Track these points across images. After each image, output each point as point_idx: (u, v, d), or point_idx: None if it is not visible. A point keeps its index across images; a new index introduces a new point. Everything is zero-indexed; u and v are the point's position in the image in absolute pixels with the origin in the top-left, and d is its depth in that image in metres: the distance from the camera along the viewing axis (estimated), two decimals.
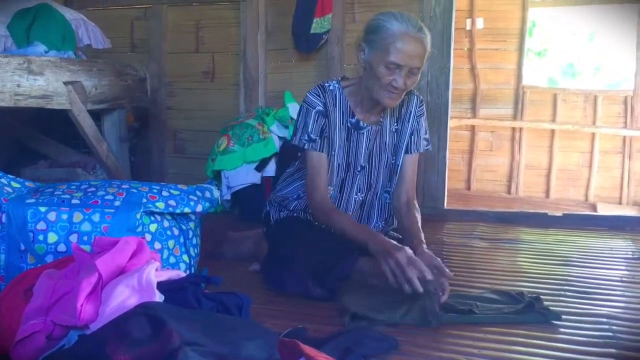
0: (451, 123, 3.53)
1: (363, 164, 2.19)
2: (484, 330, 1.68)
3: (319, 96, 2.11)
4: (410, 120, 2.20)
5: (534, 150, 5.78)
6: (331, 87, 2.13)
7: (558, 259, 2.51)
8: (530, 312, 1.78)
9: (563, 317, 1.78)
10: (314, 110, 2.10)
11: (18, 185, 1.83)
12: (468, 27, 5.70)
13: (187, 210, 1.87)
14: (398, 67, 1.92)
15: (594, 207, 5.41)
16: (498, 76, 5.74)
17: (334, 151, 2.14)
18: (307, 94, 2.13)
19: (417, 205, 2.18)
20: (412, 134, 2.21)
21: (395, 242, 1.85)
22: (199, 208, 1.90)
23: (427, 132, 2.27)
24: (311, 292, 1.92)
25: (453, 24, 3.37)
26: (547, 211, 3.43)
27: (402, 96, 2.03)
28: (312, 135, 2.10)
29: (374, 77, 1.97)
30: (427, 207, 3.43)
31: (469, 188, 5.88)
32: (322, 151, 2.11)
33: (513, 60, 5.70)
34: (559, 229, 3.10)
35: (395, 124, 2.20)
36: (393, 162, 2.22)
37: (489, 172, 5.90)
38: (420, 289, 1.70)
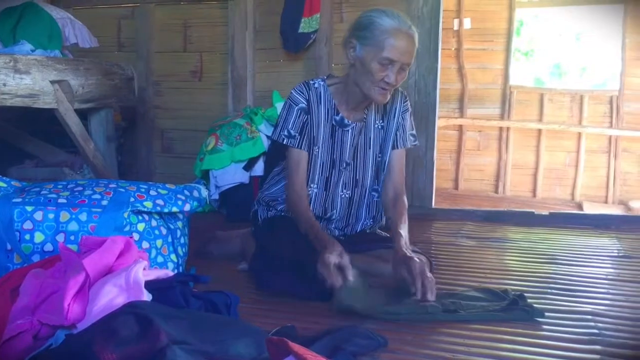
0: (439, 123, 3.55)
1: (348, 161, 2.20)
2: (471, 328, 1.69)
3: (303, 93, 2.13)
4: (396, 117, 2.21)
5: (521, 149, 5.82)
6: (316, 85, 2.15)
7: (544, 257, 2.53)
8: (514, 310, 1.80)
9: (549, 314, 1.80)
10: (296, 107, 2.13)
11: (4, 185, 1.82)
12: (455, 27, 5.73)
13: (175, 209, 1.86)
14: (391, 63, 1.94)
15: (580, 206, 5.46)
16: (485, 76, 5.78)
17: (318, 148, 2.15)
18: (292, 91, 2.15)
19: (405, 201, 2.18)
20: (397, 129, 2.22)
21: (335, 251, 1.84)
22: (187, 207, 1.89)
23: (414, 127, 2.29)
24: (298, 292, 1.92)
25: (440, 24, 3.39)
26: (533, 210, 3.46)
27: (390, 93, 2.04)
28: (291, 132, 2.12)
29: (365, 73, 1.98)
30: (415, 207, 3.44)
31: (456, 187, 5.91)
32: (302, 148, 2.13)
33: (500, 60, 5.74)
34: (545, 227, 3.12)
35: (381, 121, 2.21)
36: (380, 159, 2.23)
37: (477, 171, 5.93)
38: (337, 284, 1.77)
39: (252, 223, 2.36)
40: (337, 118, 2.15)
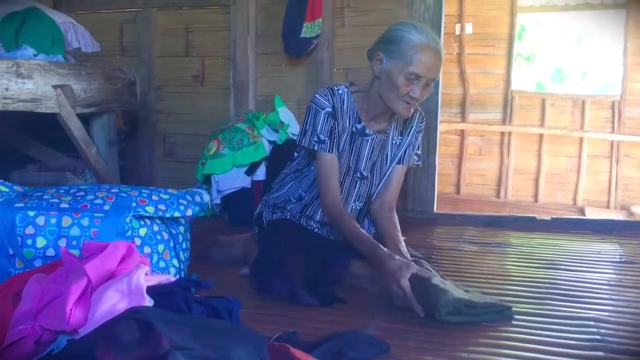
0: (441, 127, 3.55)
1: (366, 174, 2.21)
2: (473, 334, 1.69)
3: (328, 98, 2.11)
4: (410, 135, 2.24)
5: (522, 154, 5.82)
6: (340, 91, 2.13)
7: (546, 262, 2.53)
8: (488, 313, 1.79)
9: (551, 320, 1.79)
10: (323, 111, 2.10)
11: (6, 189, 1.82)
12: (457, 32, 5.74)
13: (177, 214, 1.86)
14: (417, 78, 1.95)
15: (582, 211, 5.45)
16: (487, 81, 5.79)
17: (338, 154, 2.14)
18: (316, 95, 2.13)
19: (395, 214, 2.22)
20: (408, 147, 2.24)
21: (396, 260, 1.86)
22: (189, 212, 1.89)
23: (420, 148, 2.30)
24: (298, 298, 1.90)
25: (442, 29, 3.39)
26: (535, 215, 3.46)
27: (416, 107, 2.06)
28: (321, 137, 2.09)
29: (391, 87, 1.99)
30: (416, 211, 3.45)
31: (458, 192, 5.91)
32: (332, 152, 2.11)
33: (502, 65, 5.75)
34: (547, 232, 3.12)
35: (399, 137, 2.23)
36: (387, 171, 2.25)
37: (478, 176, 5.93)
38: (421, 314, 1.76)
39: (256, 225, 2.35)
40: (359, 127, 2.15)
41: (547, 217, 3.35)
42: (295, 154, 2.29)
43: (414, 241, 2.77)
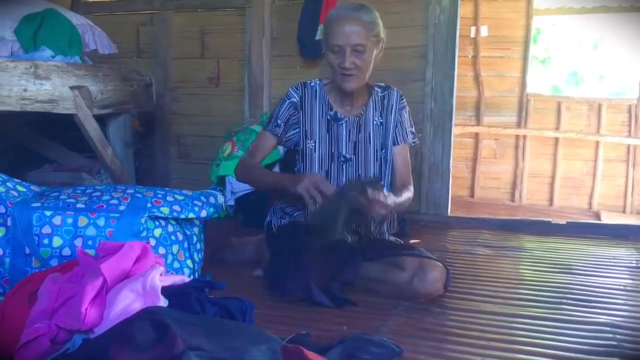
0: (455, 130, 3.53)
1: (349, 156, 2.25)
2: (487, 337, 1.68)
3: (298, 90, 2.27)
4: (393, 113, 2.29)
5: (537, 158, 5.78)
6: (312, 84, 2.28)
7: (561, 267, 2.51)
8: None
9: (566, 325, 1.78)
10: (288, 101, 2.26)
11: (23, 189, 1.84)
12: (472, 35, 5.70)
13: (191, 215, 1.87)
14: (340, 49, 2.05)
15: (597, 216, 5.40)
16: (502, 84, 5.75)
17: (314, 142, 2.24)
18: (289, 89, 2.29)
19: (410, 189, 2.24)
20: (396, 126, 2.29)
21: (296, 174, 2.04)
22: (204, 213, 1.90)
23: (413, 125, 2.35)
24: (313, 297, 1.91)
25: (458, 31, 3.38)
26: (550, 219, 3.43)
27: (360, 78, 2.12)
28: (279, 121, 2.26)
29: (329, 66, 2.14)
30: (430, 214, 3.43)
31: (472, 195, 5.87)
32: (277, 135, 2.26)
33: (517, 67, 5.71)
34: (562, 237, 3.09)
35: (380, 117, 2.27)
36: (384, 155, 2.27)
37: (493, 179, 5.89)
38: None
39: (266, 231, 2.37)
40: (332, 113, 2.25)
41: (562, 221, 3.33)
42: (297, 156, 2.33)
43: (427, 244, 2.76)
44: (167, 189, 1.96)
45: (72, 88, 2.65)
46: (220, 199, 1.97)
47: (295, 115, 2.26)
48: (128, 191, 1.87)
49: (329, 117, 2.24)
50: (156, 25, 3.99)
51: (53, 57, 2.75)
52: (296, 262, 1.99)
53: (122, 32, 3.94)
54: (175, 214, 1.83)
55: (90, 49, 3.14)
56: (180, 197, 1.89)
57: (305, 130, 2.25)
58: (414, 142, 2.34)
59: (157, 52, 3.99)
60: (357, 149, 2.25)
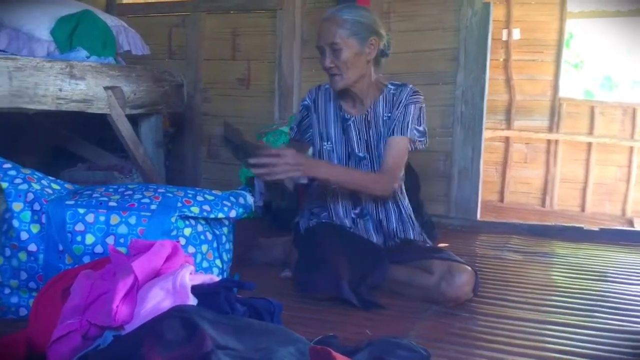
0: (485, 134, 3.50)
1: (362, 155, 2.25)
2: (517, 344, 1.66)
3: (312, 93, 2.36)
4: (399, 108, 2.20)
5: (569, 163, 5.69)
6: (326, 86, 2.32)
7: (593, 274, 2.47)
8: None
9: (599, 333, 1.75)
10: (302, 105, 2.38)
11: (58, 187, 1.87)
12: (504, 38, 5.64)
13: (221, 215, 1.88)
14: (321, 50, 2.13)
15: (630, 222, 5.29)
16: (534, 87, 5.68)
17: (331, 144, 2.27)
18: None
19: (383, 176, 2.16)
20: (397, 118, 2.19)
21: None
22: (233, 214, 1.91)
23: (422, 124, 2.23)
24: (343, 295, 1.91)
25: (490, 34, 3.35)
26: (582, 225, 3.37)
27: (343, 78, 2.12)
28: (293, 125, 2.43)
29: None
30: (459, 219, 3.41)
31: (502, 200, 5.80)
32: (295, 138, 2.41)
33: (549, 71, 5.63)
34: (594, 243, 3.04)
35: (388, 113, 2.23)
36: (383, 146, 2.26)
37: (523, 184, 5.82)
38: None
39: (294, 233, 2.37)
40: (341, 114, 2.28)
41: (595, 228, 3.27)
42: None
43: (456, 248, 2.73)
44: (197, 188, 1.97)
45: (105, 88, 2.69)
46: (250, 199, 1.98)
47: (307, 118, 2.35)
48: (159, 190, 1.89)
49: (341, 118, 2.27)
50: (188, 26, 4.03)
51: (88, 57, 2.79)
52: (327, 260, 2.00)
53: (154, 33, 4.00)
54: (205, 213, 1.85)
55: (124, 50, 3.19)
56: (210, 197, 1.90)
57: (321, 132, 2.29)
58: (420, 141, 2.23)
59: (188, 53, 4.03)
60: (369, 146, 2.25)
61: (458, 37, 3.39)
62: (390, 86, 2.25)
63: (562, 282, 2.36)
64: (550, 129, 5.66)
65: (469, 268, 2.00)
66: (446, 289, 1.96)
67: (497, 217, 4.46)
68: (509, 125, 5.73)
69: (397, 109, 2.21)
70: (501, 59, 5.68)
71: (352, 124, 2.25)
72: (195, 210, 1.83)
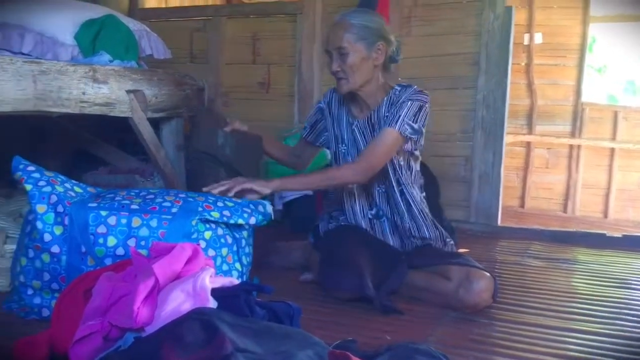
0: (506, 139, 3.48)
1: None
2: (537, 351, 1.64)
3: (326, 96, 2.38)
4: (398, 104, 2.15)
5: (592, 168, 5.62)
6: None
7: (616, 280, 2.43)
8: None
9: (621, 341, 1.73)
10: (316, 106, 2.42)
11: (81, 190, 1.89)
12: (526, 42, 5.60)
13: (240, 221, 1.89)
14: (329, 54, 2.15)
15: None
16: (556, 92, 5.62)
17: (345, 146, 2.30)
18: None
19: (356, 164, 2.13)
20: (391, 111, 2.16)
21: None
22: (252, 220, 1.92)
23: (418, 121, 2.15)
24: (367, 292, 1.92)
25: (512, 38, 3.33)
26: (605, 231, 3.33)
27: (349, 82, 2.13)
28: (306, 124, 2.46)
29: None
30: (479, 224, 3.38)
31: (522, 206, 5.76)
32: (307, 138, 2.45)
33: (572, 76, 5.57)
34: (617, 250, 3.00)
35: (388, 112, 2.18)
36: None
37: (545, 189, 5.76)
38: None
39: (313, 237, 2.38)
40: (349, 117, 2.29)
41: (618, 234, 3.23)
42: None
43: (476, 254, 2.71)
44: (217, 195, 1.98)
45: (128, 92, 2.72)
46: (269, 208, 1.98)
47: (322, 120, 2.39)
48: (180, 195, 1.90)
49: (349, 121, 2.29)
50: (209, 31, 4.06)
51: (111, 61, 2.82)
52: (349, 261, 2.00)
53: (176, 38, 4.02)
54: (225, 218, 1.86)
55: (146, 54, 3.21)
56: (230, 204, 1.91)
57: (335, 134, 2.32)
58: (411, 137, 2.14)
59: (209, 57, 4.06)
60: None
61: (479, 41, 3.37)
62: (396, 87, 2.22)
63: (584, 289, 2.33)
64: (572, 134, 5.61)
65: (487, 274, 1.98)
66: (464, 295, 1.94)
67: (517, 222, 4.42)
68: (530, 130, 5.68)
69: (396, 107, 2.17)
70: (523, 64, 5.64)
71: (356, 128, 2.27)
72: (216, 215, 1.84)
